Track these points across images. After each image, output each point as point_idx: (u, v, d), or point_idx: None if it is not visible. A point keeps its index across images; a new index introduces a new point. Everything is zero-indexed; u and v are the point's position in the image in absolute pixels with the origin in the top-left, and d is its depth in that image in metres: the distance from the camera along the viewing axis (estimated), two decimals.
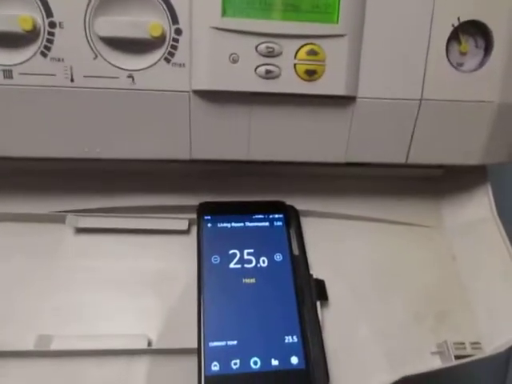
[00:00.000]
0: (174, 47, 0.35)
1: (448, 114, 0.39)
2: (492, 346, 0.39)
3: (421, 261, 0.45)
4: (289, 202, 0.45)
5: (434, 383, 0.40)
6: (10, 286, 0.39)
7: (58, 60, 0.34)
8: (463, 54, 0.38)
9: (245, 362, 0.35)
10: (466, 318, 0.42)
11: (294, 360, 0.35)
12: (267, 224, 0.43)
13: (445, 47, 0.37)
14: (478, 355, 0.38)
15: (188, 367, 0.35)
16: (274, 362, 0.35)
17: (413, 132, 0.40)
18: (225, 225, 0.42)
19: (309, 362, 0.35)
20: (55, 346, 0.36)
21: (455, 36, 0.37)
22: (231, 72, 0.35)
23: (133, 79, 0.35)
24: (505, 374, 0.77)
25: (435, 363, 0.39)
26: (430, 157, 0.41)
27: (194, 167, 0.44)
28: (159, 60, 0.35)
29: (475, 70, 0.38)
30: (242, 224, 0.42)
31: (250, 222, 0.43)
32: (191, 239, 0.42)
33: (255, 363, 0.35)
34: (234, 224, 0.42)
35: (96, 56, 0.34)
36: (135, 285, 0.40)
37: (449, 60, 0.37)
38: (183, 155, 0.39)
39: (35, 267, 0.40)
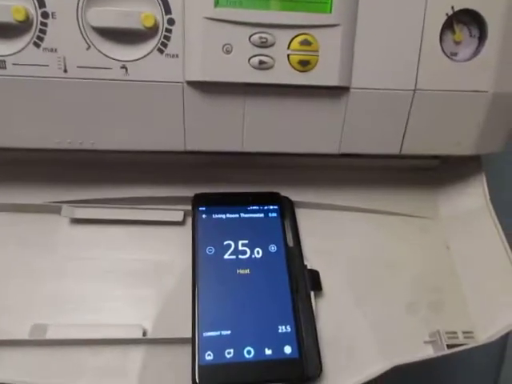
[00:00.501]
0: (167, 38, 0.34)
1: (442, 104, 0.39)
2: (485, 334, 0.39)
3: (415, 251, 0.45)
4: (283, 193, 0.45)
5: (428, 369, 0.41)
6: (6, 275, 0.39)
7: (51, 50, 0.34)
8: (457, 43, 0.38)
9: (238, 352, 0.35)
10: (460, 307, 0.42)
11: (288, 349, 0.35)
12: (262, 215, 0.43)
13: (438, 36, 0.37)
14: (471, 344, 0.38)
15: (183, 357, 0.35)
16: (268, 352, 0.35)
17: (407, 122, 0.40)
18: (219, 216, 0.42)
19: (302, 352, 0.35)
20: (50, 334, 0.36)
21: (449, 25, 0.37)
22: (224, 63, 0.35)
23: (126, 70, 0.35)
24: (500, 360, 0.77)
25: (428, 352, 0.39)
26: (424, 147, 0.41)
27: (190, 158, 0.44)
28: (152, 51, 0.35)
29: (469, 59, 0.38)
30: (236, 215, 0.43)
31: (245, 213, 0.43)
32: (186, 230, 0.43)
33: (249, 352, 0.35)
34: (228, 215, 0.42)
35: (89, 46, 0.34)
36: (130, 275, 0.40)
37: (443, 49, 0.37)
38: (178, 146, 0.39)
39: (31, 257, 0.40)
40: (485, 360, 0.77)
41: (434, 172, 0.50)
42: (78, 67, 0.34)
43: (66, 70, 0.34)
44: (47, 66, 0.34)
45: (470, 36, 0.38)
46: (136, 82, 0.35)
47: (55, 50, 0.34)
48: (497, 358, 0.77)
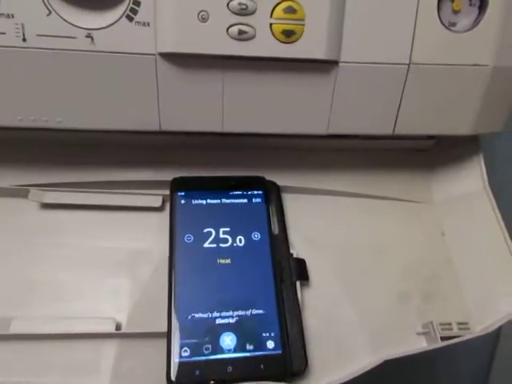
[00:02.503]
0: (137, 3, 0.31)
1: (439, 80, 0.36)
2: (480, 326, 0.38)
3: (408, 237, 0.43)
4: (269, 177, 0.42)
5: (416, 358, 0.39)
6: None
7: (8, 16, 0.31)
8: (456, 12, 0.35)
9: (217, 347, 0.33)
10: (454, 297, 0.40)
11: (270, 344, 0.33)
12: (245, 201, 0.40)
13: (436, 4, 0.34)
14: (466, 336, 0.36)
15: (158, 352, 0.33)
16: (249, 347, 0.33)
17: (400, 100, 0.37)
18: (200, 201, 0.40)
19: (285, 346, 0.33)
20: (14, 328, 0.34)
21: None
22: (200, 32, 0.32)
23: (92, 39, 0.32)
24: (493, 348, 0.76)
25: (421, 344, 0.37)
26: (419, 127, 0.39)
27: (167, 139, 0.41)
28: (120, 18, 0.31)
29: (469, 29, 0.35)
30: (218, 201, 0.40)
31: (227, 198, 0.40)
32: (165, 216, 0.40)
33: (228, 347, 0.33)
34: (209, 201, 0.40)
35: (50, 12, 0.31)
36: (103, 265, 0.38)
37: (440, 19, 0.34)
38: (152, 126, 0.36)
39: None
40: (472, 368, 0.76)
41: (427, 153, 0.48)
42: (37, 35, 0.31)
43: (24, 39, 0.31)
44: (4, 33, 0.31)
45: (470, 5, 0.35)
46: (103, 53, 0.32)
47: (12, 15, 0.31)
48: (485, 368, 0.76)
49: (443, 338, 0.36)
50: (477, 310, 0.39)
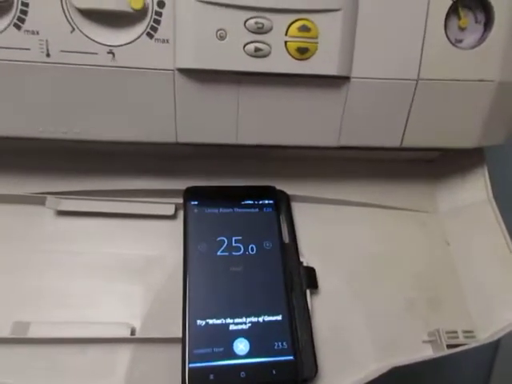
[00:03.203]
0: (157, 21, 0.32)
1: (445, 95, 0.37)
2: (485, 334, 0.38)
3: (414, 247, 0.44)
4: (279, 186, 0.43)
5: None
6: None
7: (33, 33, 0.32)
8: (462, 29, 0.36)
9: (230, 353, 0.34)
10: (459, 305, 0.41)
11: (282, 351, 0.34)
12: (257, 210, 0.41)
13: (443, 22, 0.35)
14: (471, 344, 0.37)
15: (172, 357, 0.34)
16: (262, 353, 0.34)
17: (408, 114, 0.38)
18: (212, 210, 0.41)
19: (297, 353, 0.34)
20: (33, 332, 0.35)
21: (454, 10, 0.35)
22: (218, 49, 0.33)
23: (113, 55, 0.33)
24: (494, 352, 0.77)
25: (427, 352, 0.38)
26: (426, 140, 0.40)
27: (182, 149, 0.42)
28: (141, 35, 0.32)
29: (475, 46, 0.36)
30: (230, 210, 0.41)
31: (239, 207, 0.41)
32: (178, 224, 0.41)
33: (241, 354, 0.34)
34: (221, 210, 0.41)
35: (73, 29, 0.32)
36: (118, 271, 0.39)
37: (447, 36, 0.35)
38: (169, 138, 0.37)
39: (13, 251, 0.39)
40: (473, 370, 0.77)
41: (433, 164, 0.49)
42: (61, 51, 0.32)
43: (48, 55, 0.32)
44: (29, 49, 0.32)
45: (476, 22, 0.36)
46: (123, 69, 0.33)
47: (37, 32, 0.32)
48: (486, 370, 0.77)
49: (449, 346, 0.36)
50: (481, 318, 0.40)
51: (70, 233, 0.40)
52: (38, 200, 0.40)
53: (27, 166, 0.41)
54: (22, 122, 0.35)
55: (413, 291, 0.41)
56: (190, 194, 0.41)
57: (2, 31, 0.32)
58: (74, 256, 0.39)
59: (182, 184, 0.42)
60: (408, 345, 0.38)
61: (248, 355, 0.34)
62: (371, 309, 0.40)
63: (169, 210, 0.42)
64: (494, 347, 0.77)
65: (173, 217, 0.42)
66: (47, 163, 0.42)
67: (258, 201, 0.42)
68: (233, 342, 0.34)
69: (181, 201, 0.41)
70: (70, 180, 0.42)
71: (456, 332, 0.38)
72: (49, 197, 0.40)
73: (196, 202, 0.41)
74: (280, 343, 0.34)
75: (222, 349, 0.34)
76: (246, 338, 0.34)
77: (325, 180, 0.46)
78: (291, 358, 0.34)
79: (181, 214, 0.42)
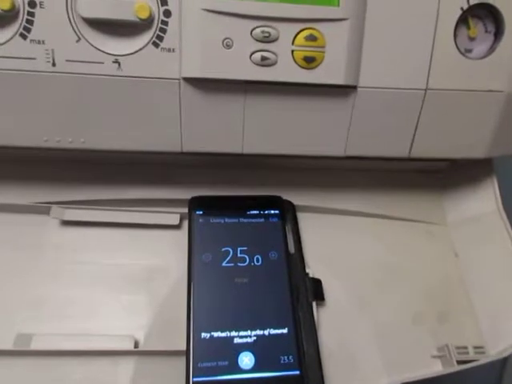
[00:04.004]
0: (163, 30, 0.32)
1: (454, 105, 0.37)
2: (496, 349, 0.38)
3: (422, 259, 0.43)
4: (285, 196, 0.43)
5: None
6: None
7: (39, 42, 0.32)
8: (472, 39, 0.36)
9: (235, 367, 0.33)
10: (469, 319, 0.40)
11: (288, 365, 0.33)
12: (262, 220, 0.41)
13: (453, 31, 0.35)
14: (482, 360, 0.36)
15: (176, 370, 0.33)
16: (267, 367, 0.33)
17: (417, 124, 0.37)
18: (218, 220, 0.40)
19: (303, 367, 0.33)
20: (35, 345, 0.34)
21: (464, 20, 0.35)
22: (224, 58, 0.33)
23: (119, 65, 0.33)
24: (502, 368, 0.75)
25: (436, 367, 0.37)
26: (434, 150, 0.39)
27: (187, 159, 0.42)
28: (147, 44, 0.32)
29: (484, 56, 0.36)
30: (235, 220, 0.40)
31: (245, 217, 0.41)
32: (182, 234, 0.41)
33: (246, 368, 0.33)
34: (227, 220, 0.40)
35: (79, 39, 0.32)
36: (122, 281, 0.39)
37: (456, 46, 0.35)
38: (174, 148, 0.37)
39: (16, 261, 0.38)
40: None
41: (441, 174, 0.48)
42: (67, 61, 0.32)
43: (54, 64, 0.32)
44: (34, 59, 0.32)
45: (486, 32, 0.36)
46: (129, 78, 0.33)
47: (43, 41, 0.32)
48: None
49: (459, 362, 0.36)
50: (491, 332, 0.39)
51: (74, 243, 0.40)
52: (43, 210, 0.40)
53: (32, 176, 0.41)
54: (27, 132, 0.35)
55: (421, 304, 0.40)
56: (195, 203, 0.41)
57: (8, 41, 0.32)
58: (79, 266, 0.39)
59: (187, 193, 0.42)
60: (417, 360, 0.37)
61: (253, 369, 0.33)
62: (379, 322, 0.39)
63: (174, 219, 0.41)
64: (501, 361, 0.75)
65: (177, 227, 0.42)
66: (52, 173, 0.42)
67: (264, 211, 0.41)
68: (238, 356, 0.33)
69: (186, 210, 0.41)
70: (74, 189, 0.42)
71: (466, 348, 0.37)
72: (53, 206, 0.40)
73: (201, 212, 0.40)
74: (286, 357, 0.34)
75: (226, 362, 0.33)
76: (251, 351, 0.34)
77: (331, 190, 0.45)
78: (297, 372, 0.33)
79: (185, 223, 0.41)
